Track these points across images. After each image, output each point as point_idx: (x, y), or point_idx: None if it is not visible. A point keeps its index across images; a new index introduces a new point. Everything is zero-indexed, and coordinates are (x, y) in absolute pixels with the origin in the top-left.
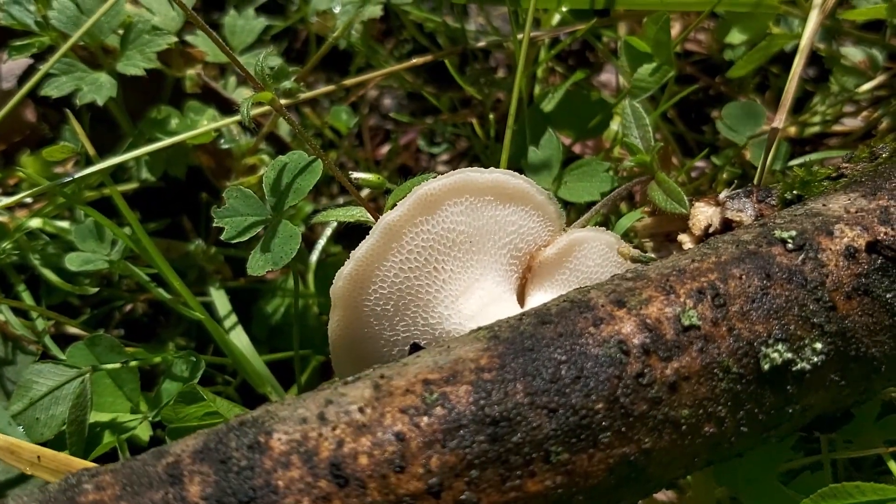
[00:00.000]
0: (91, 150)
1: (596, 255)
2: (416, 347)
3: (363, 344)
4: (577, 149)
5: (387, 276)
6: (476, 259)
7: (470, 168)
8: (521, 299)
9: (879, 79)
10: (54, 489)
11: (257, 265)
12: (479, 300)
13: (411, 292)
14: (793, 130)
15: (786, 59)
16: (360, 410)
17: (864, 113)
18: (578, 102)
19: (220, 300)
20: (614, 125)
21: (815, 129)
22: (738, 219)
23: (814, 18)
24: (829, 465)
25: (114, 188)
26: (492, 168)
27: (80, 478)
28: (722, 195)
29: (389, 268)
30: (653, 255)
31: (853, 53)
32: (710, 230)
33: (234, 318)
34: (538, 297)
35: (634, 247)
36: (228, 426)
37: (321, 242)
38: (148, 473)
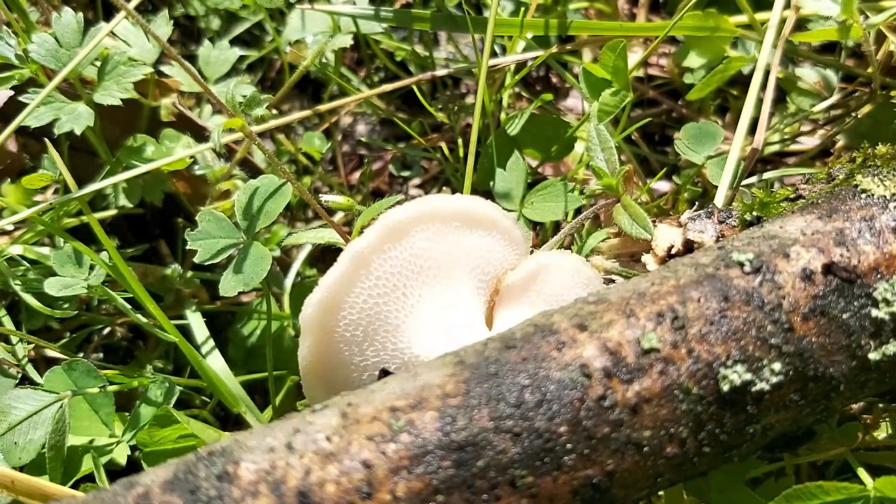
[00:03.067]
0: (69, 178)
1: (562, 277)
2: (384, 373)
3: (334, 370)
4: (543, 170)
5: (356, 302)
6: (444, 284)
7: (437, 195)
8: (490, 322)
9: (834, 99)
10: None
11: (229, 286)
12: (447, 324)
13: (380, 318)
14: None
15: (744, 82)
16: (328, 439)
17: (821, 132)
18: (543, 125)
19: (197, 323)
20: (579, 147)
21: (775, 147)
22: (699, 240)
23: (769, 41)
24: (792, 470)
25: (91, 216)
26: (458, 195)
27: None
28: (684, 216)
29: (358, 294)
30: (617, 264)
31: (808, 75)
32: (673, 251)
33: (210, 342)
34: (505, 321)
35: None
36: (197, 456)
37: (296, 265)
38: None
